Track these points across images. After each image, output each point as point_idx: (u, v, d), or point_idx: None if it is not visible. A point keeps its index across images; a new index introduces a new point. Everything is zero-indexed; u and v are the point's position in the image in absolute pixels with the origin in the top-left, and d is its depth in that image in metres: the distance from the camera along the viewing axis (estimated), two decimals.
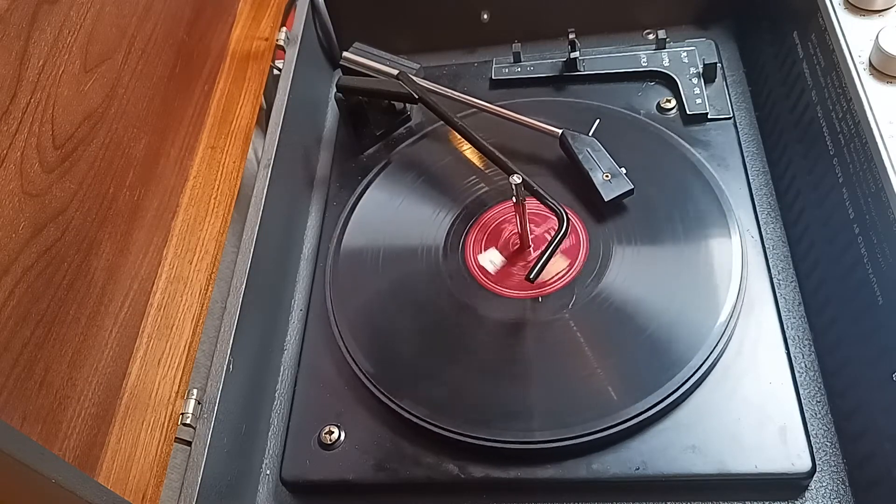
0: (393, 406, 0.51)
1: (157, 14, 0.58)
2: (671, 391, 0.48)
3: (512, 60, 0.70)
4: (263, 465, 0.54)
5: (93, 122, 0.49)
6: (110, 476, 0.46)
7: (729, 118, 0.62)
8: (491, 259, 0.56)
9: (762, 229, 0.56)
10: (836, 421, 0.49)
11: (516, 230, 0.57)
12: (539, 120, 0.62)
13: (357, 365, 0.54)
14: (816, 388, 0.51)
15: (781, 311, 0.53)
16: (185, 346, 0.52)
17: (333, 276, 0.59)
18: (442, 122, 0.63)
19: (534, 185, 0.56)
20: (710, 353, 0.49)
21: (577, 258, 0.56)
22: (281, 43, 0.69)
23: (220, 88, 0.67)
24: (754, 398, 0.49)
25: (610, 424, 0.48)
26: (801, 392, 0.49)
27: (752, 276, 0.53)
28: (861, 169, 0.46)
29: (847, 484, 0.47)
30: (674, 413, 0.49)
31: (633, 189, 0.57)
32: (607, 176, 0.58)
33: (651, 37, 0.71)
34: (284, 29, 0.71)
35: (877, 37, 0.47)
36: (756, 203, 0.58)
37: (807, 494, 0.47)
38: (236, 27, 0.72)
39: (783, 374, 0.49)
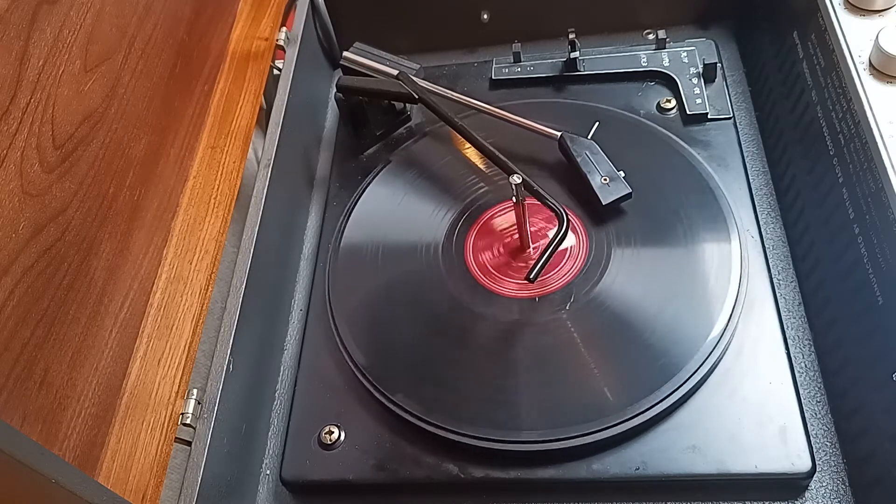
0: (393, 406, 0.51)
1: (157, 14, 0.58)
2: (671, 391, 0.48)
3: (512, 60, 0.70)
4: (263, 465, 0.54)
5: (93, 122, 0.49)
6: (110, 476, 0.46)
7: (729, 118, 0.62)
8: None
9: (762, 229, 0.56)
10: (836, 421, 0.49)
11: (516, 230, 0.57)
12: (538, 122, 0.62)
13: (357, 365, 0.54)
14: (816, 388, 0.51)
15: (781, 311, 0.53)
16: (185, 346, 0.52)
17: (333, 276, 0.59)
18: (442, 123, 0.63)
19: (534, 184, 0.57)
20: (710, 353, 0.49)
21: (576, 258, 0.56)
22: (281, 43, 0.69)
23: (220, 88, 0.67)
24: (754, 398, 0.49)
25: (610, 425, 0.48)
26: (801, 392, 0.49)
27: (752, 276, 0.53)
28: (861, 169, 0.46)
29: (847, 484, 0.47)
30: (674, 413, 0.49)
31: (630, 193, 0.57)
32: (605, 179, 0.58)
33: (651, 37, 0.71)
34: (284, 29, 0.71)
35: (877, 37, 0.47)
36: (756, 203, 0.58)
37: (807, 494, 0.47)
38: (236, 27, 0.72)
39: (783, 374, 0.49)
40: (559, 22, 0.69)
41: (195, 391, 0.49)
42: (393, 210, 0.62)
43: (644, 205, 0.57)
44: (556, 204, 0.56)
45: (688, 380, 0.48)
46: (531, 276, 0.52)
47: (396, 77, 0.64)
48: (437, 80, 0.67)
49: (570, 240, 0.57)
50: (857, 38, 0.50)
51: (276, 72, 0.69)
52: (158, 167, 0.57)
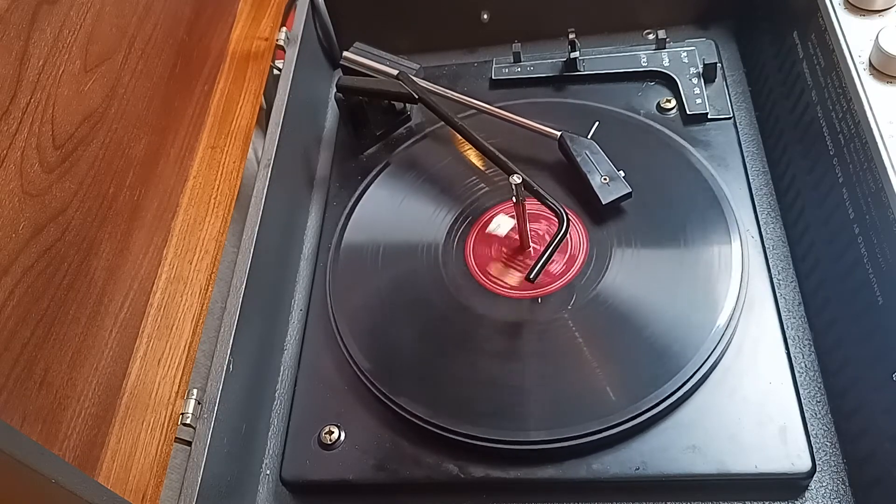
0: (393, 406, 0.51)
1: (157, 14, 0.58)
2: (671, 391, 0.48)
3: (512, 60, 0.70)
4: (263, 465, 0.54)
5: (93, 122, 0.49)
6: (110, 476, 0.46)
7: (729, 118, 0.62)
8: (500, 223, 0.56)
9: (762, 229, 0.56)
10: (836, 421, 0.49)
11: (516, 230, 0.57)
12: (538, 121, 0.62)
13: (357, 365, 0.54)
14: (816, 388, 0.51)
15: (781, 311, 0.53)
16: (185, 346, 0.52)
17: (333, 275, 0.59)
18: (442, 123, 0.63)
19: (534, 184, 0.57)
20: (710, 353, 0.49)
21: (577, 258, 0.56)
22: (281, 43, 0.69)
23: (220, 88, 0.67)
24: (754, 398, 0.49)
25: (610, 424, 0.48)
26: (801, 392, 0.49)
27: (752, 276, 0.53)
28: (861, 169, 0.46)
29: (847, 484, 0.47)
30: (674, 413, 0.49)
31: (630, 193, 0.57)
32: (605, 179, 0.58)
33: (651, 37, 0.71)
34: (284, 29, 0.71)
35: (877, 37, 0.47)
36: (756, 203, 0.58)
37: (807, 494, 0.47)
38: (236, 27, 0.72)
39: (783, 374, 0.49)
40: (559, 22, 0.69)
41: (195, 391, 0.49)
42: (393, 210, 0.62)
43: (644, 205, 0.57)
44: (557, 204, 0.56)
45: (688, 379, 0.48)
46: (531, 276, 0.52)
47: (396, 77, 0.64)
48: (437, 80, 0.67)
49: (571, 240, 0.57)
50: (857, 38, 0.50)
51: (276, 72, 0.69)
52: (158, 167, 0.57)
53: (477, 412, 0.50)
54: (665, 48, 0.67)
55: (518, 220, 0.56)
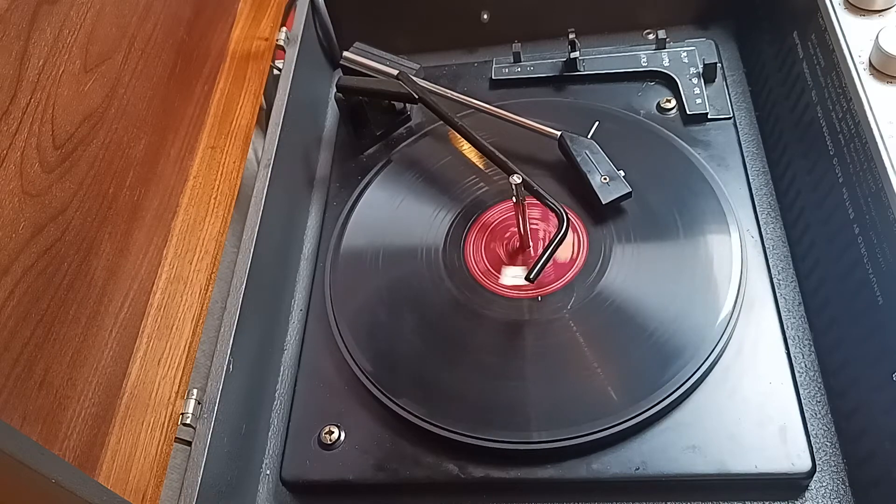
0: (393, 406, 0.51)
1: (157, 14, 0.58)
2: (671, 391, 0.48)
3: (512, 60, 0.70)
4: (263, 465, 0.54)
5: (93, 122, 0.49)
6: (110, 476, 0.46)
7: (729, 118, 0.62)
8: (514, 275, 0.56)
9: (762, 229, 0.56)
10: (836, 421, 0.49)
11: (516, 230, 0.57)
12: (538, 121, 0.62)
13: (357, 365, 0.54)
14: (816, 388, 0.51)
15: (781, 311, 0.53)
16: (185, 346, 0.52)
17: (333, 275, 0.59)
18: (442, 122, 0.63)
19: (534, 184, 0.57)
20: (710, 352, 0.49)
21: (577, 258, 0.56)
22: (281, 43, 0.69)
23: (220, 88, 0.67)
24: (754, 398, 0.49)
25: (610, 424, 0.48)
26: (801, 392, 0.49)
27: (752, 276, 0.53)
28: (861, 169, 0.46)
29: (847, 484, 0.47)
30: (674, 413, 0.49)
31: (630, 192, 0.57)
32: (605, 179, 0.58)
33: (651, 37, 0.71)
34: (284, 29, 0.71)
35: (877, 37, 0.47)
36: (756, 203, 0.58)
37: (807, 494, 0.47)
38: (236, 27, 0.72)
39: (783, 374, 0.49)
40: (559, 22, 0.69)
41: (195, 391, 0.49)
42: (393, 210, 0.62)
43: (644, 204, 0.57)
44: (556, 204, 0.56)
45: (688, 379, 0.49)
46: (531, 276, 0.52)
47: (396, 77, 0.64)
48: (437, 80, 0.67)
49: (571, 239, 0.57)
50: (857, 38, 0.50)
51: (276, 72, 0.69)
52: (158, 167, 0.57)
53: (477, 412, 0.50)
54: (665, 48, 0.67)
55: (518, 220, 0.56)
